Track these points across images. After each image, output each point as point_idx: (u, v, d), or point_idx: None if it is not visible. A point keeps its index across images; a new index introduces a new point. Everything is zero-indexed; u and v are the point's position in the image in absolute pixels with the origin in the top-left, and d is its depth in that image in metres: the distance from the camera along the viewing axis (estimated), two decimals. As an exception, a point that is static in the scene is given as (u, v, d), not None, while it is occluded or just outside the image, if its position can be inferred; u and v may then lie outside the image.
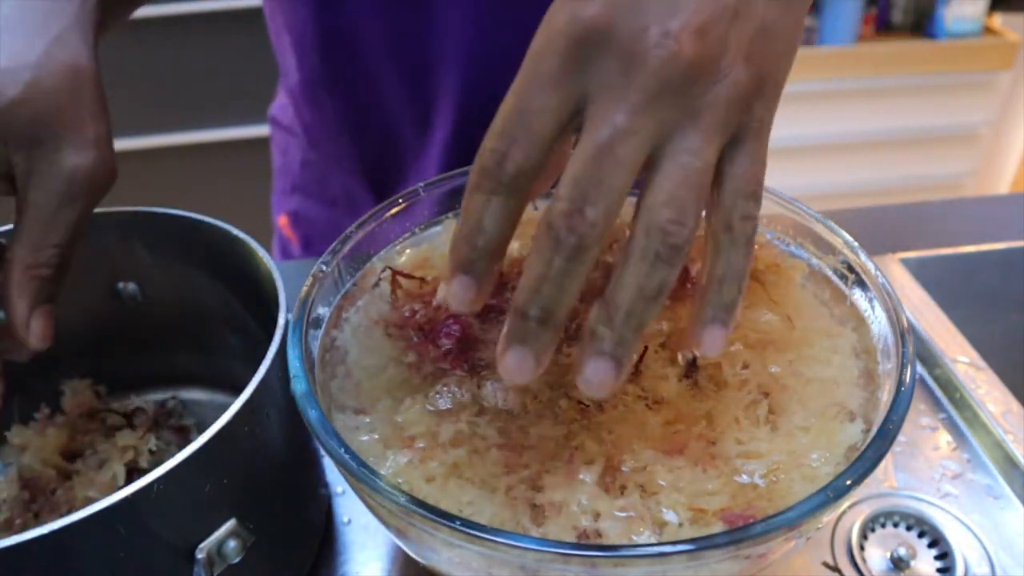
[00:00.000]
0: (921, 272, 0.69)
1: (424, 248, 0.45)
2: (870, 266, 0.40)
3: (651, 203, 0.27)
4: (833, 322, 0.40)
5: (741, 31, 0.28)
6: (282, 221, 0.85)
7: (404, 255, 0.45)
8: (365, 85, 0.70)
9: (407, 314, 0.40)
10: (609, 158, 0.27)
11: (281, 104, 0.83)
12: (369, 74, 0.69)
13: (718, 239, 0.29)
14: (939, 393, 0.58)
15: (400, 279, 0.41)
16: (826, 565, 0.46)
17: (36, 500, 0.49)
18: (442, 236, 0.46)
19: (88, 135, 0.39)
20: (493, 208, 0.29)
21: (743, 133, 0.29)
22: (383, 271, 0.43)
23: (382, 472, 0.32)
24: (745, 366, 0.37)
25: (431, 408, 0.35)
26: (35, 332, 0.39)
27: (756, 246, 0.42)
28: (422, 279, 0.42)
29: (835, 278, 0.42)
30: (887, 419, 0.32)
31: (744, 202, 0.29)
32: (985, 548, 0.47)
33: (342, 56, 0.69)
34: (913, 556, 0.47)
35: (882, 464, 0.33)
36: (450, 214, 0.47)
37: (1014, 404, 0.55)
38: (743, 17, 0.28)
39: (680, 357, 0.37)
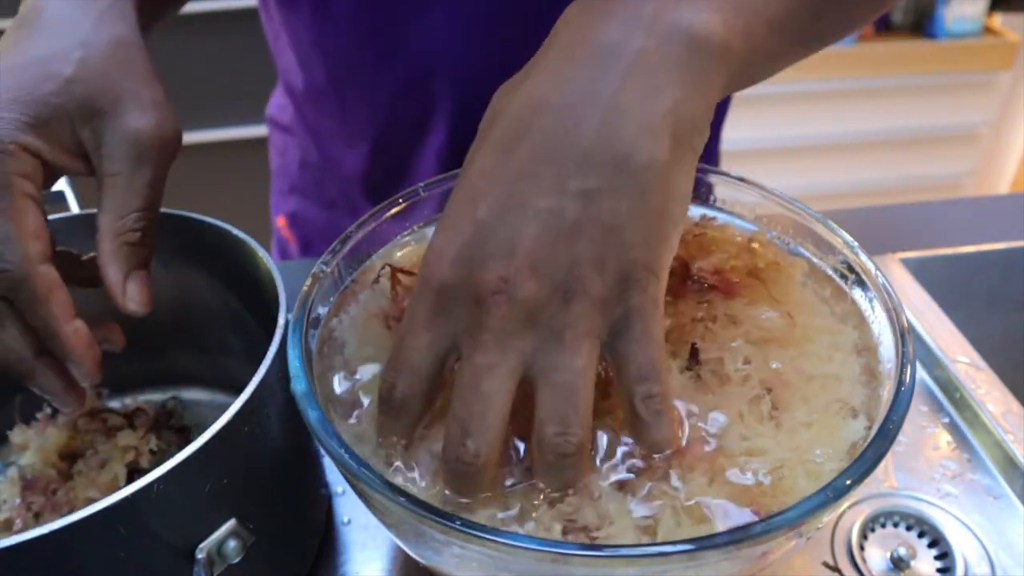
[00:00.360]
0: (921, 272, 0.69)
1: (425, 245, 0.45)
2: (870, 266, 0.40)
3: (537, 422, 0.31)
4: (834, 319, 0.40)
5: (586, 244, 0.30)
6: (280, 222, 0.85)
7: (404, 250, 0.45)
8: (361, 92, 0.70)
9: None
10: (477, 395, 0.30)
11: (279, 104, 0.82)
12: (365, 81, 0.69)
13: (631, 423, 0.32)
14: (939, 393, 0.58)
15: (400, 276, 0.41)
16: (826, 565, 0.46)
17: (37, 500, 0.49)
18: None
19: (144, 99, 0.41)
20: (392, 432, 0.34)
21: (621, 325, 0.31)
22: (383, 268, 0.43)
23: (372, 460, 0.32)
24: (747, 361, 0.37)
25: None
26: (132, 296, 0.40)
27: (757, 244, 0.42)
28: None
29: (835, 276, 0.42)
30: (887, 419, 0.32)
31: (641, 385, 0.31)
32: (985, 548, 0.47)
33: (338, 62, 0.69)
34: (913, 556, 0.47)
35: (882, 464, 0.33)
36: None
37: (1014, 404, 0.55)
38: (585, 229, 0.30)
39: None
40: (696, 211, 0.46)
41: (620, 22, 0.32)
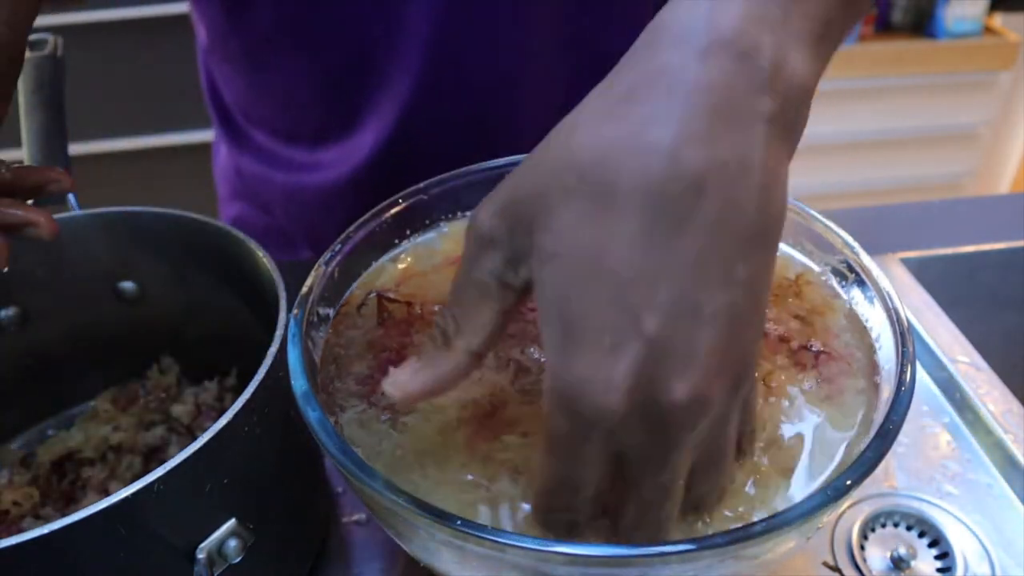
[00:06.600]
0: (921, 272, 0.69)
1: (412, 255, 0.45)
2: (870, 266, 0.40)
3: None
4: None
5: (751, 333, 0.28)
6: None
7: (399, 262, 0.45)
8: (271, 64, 0.65)
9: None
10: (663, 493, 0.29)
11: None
12: (276, 53, 0.64)
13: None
14: (939, 393, 0.58)
15: (387, 303, 0.41)
16: (826, 565, 0.46)
17: (49, 496, 0.50)
18: (435, 241, 0.46)
19: None
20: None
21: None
22: (368, 295, 0.42)
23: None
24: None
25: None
26: None
27: (804, 284, 0.42)
28: (409, 303, 0.41)
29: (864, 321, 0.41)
30: (887, 419, 0.32)
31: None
32: (985, 548, 0.47)
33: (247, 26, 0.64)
34: (913, 556, 0.47)
35: (882, 464, 0.33)
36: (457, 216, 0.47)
37: (1014, 404, 0.55)
38: (752, 318, 0.27)
39: None
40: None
41: (747, 74, 0.28)
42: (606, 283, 0.26)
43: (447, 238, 0.46)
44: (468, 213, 0.48)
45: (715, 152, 0.26)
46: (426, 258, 0.45)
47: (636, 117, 0.27)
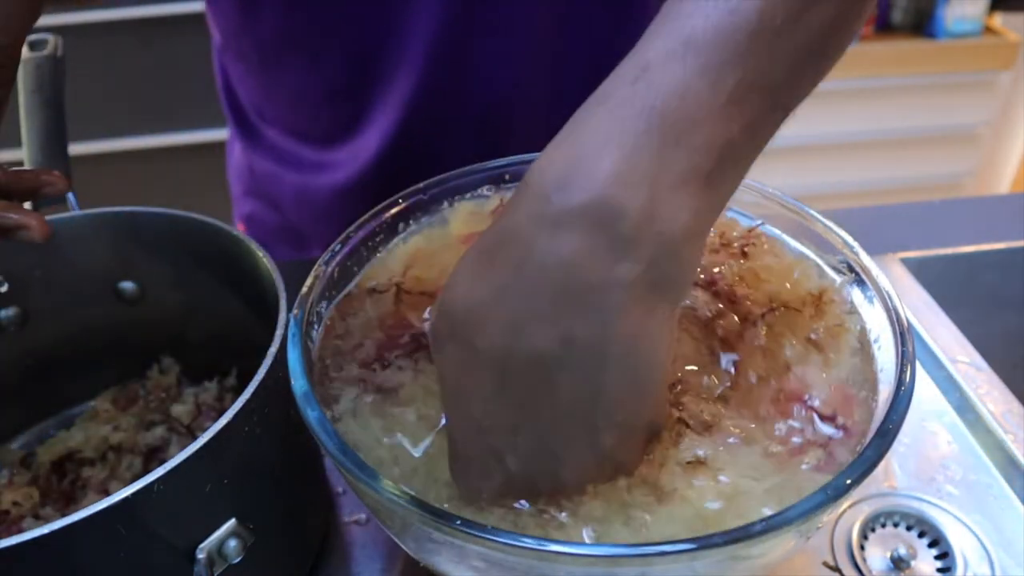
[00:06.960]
0: (921, 272, 0.69)
1: (419, 241, 0.45)
2: (870, 266, 0.40)
3: None
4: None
5: (624, 453, 0.31)
6: (240, 228, 0.83)
7: (409, 244, 0.45)
8: (281, 62, 0.66)
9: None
10: None
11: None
12: (287, 50, 0.65)
13: None
14: (939, 393, 0.58)
15: (406, 295, 0.41)
16: (826, 565, 0.46)
17: (49, 496, 0.50)
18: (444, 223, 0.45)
19: None
20: None
21: None
22: (389, 289, 0.42)
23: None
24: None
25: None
26: None
27: (828, 302, 0.41)
28: (431, 295, 0.41)
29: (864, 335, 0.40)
30: (887, 419, 0.32)
31: None
32: (985, 548, 0.47)
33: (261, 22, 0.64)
34: (913, 556, 0.47)
35: (882, 464, 0.33)
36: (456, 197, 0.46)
37: (1014, 404, 0.55)
38: (617, 450, 0.31)
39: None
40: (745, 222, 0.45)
41: (602, 244, 0.27)
42: (473, 425, 0.30)
43: (455, 214, 0.46)
44: (469, 194, 0.47)
45: (559, 331, 0.28)
46: (437, 238, 0.45)
47: (490, 285, 0.29)
